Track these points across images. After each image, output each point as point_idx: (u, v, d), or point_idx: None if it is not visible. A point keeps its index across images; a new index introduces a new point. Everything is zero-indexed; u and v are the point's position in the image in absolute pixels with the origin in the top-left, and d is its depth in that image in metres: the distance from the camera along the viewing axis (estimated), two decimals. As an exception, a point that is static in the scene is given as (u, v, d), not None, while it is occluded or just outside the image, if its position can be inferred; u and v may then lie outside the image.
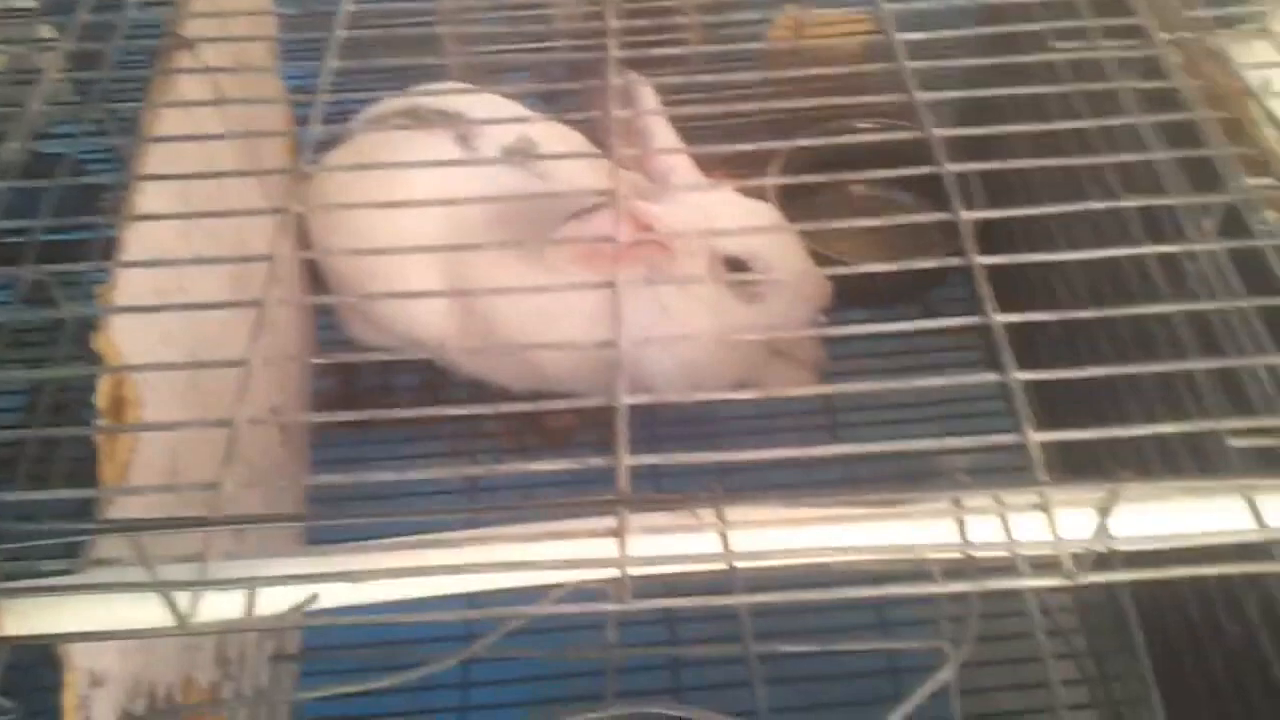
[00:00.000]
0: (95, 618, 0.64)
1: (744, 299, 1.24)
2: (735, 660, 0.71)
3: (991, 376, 0.65)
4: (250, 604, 0.62)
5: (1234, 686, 0.94)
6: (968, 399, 1.31)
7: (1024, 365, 0.64)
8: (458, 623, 0.97)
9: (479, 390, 1.49)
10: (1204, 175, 0.81)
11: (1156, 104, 0.88)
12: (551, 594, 0.66)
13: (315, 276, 1.47)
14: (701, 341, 1.27)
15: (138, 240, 0.88)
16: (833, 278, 1.27)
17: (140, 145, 0.90)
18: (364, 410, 0.70)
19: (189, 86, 1.01)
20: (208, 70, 1.03)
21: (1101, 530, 0.54)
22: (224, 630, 0.73)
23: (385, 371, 1.64)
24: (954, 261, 0.73)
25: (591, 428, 1.60)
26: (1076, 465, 0.94)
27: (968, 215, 0.76)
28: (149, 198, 0.90)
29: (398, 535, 0.65)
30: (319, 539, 0.79)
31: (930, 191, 1.50)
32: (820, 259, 1.32)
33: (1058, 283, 1.23)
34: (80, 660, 0.71)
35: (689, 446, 0.63)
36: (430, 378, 1.58)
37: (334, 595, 0.67)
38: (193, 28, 1.02)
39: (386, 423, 0.69)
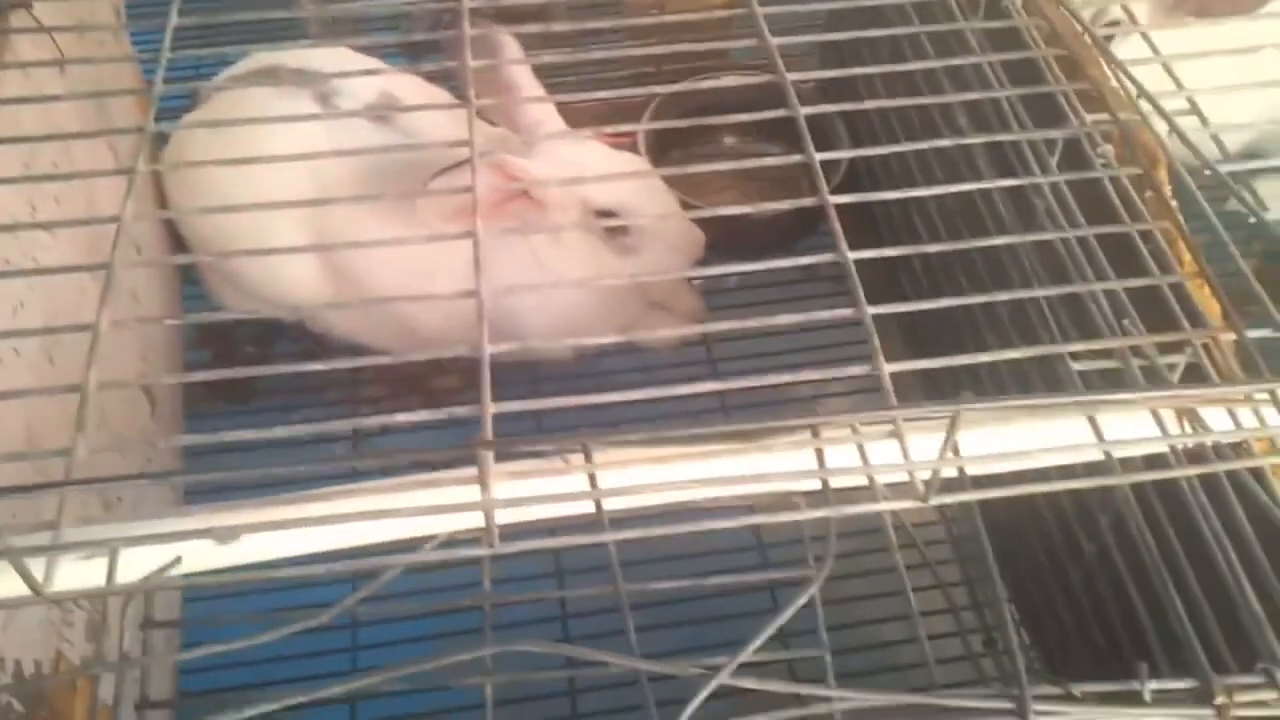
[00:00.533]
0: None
1: (617, 251, 1.25)
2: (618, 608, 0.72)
3: (846, 312, 0.66)
4: (111, 568, 0.61)
5: (1092, 603, 0.99)
6: (844, 342, 1.34)
7: (889, 302, 0.66)
8: (341, 582, 0.97)
9: (359, 355, 1.47)
10: (1046, 112, 0.84)
11: (999, 43, 0.91)
12: (426, 545, 0.66)
13: (179, 244, 1.43)
14: (577, 294, 1.27)
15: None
16: (704, 229, 1.28)
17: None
18: (241, 391, 0.69)
19: (25, 47, 0.97)
20: (44, 29, 0.99)
21: (947, 450, 0.56)
22: (83, 596, 0.71)
23: (261, 342, 1.61)
24: (807, 201, 0.75)
25: (475, 389, 1.59)
26: (942, 397, 0.98)
27: (820, 156, 0.77)
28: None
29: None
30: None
31: (795, 141, 1.53)
32: (691, 210, 1.34)
33: (921, 224, 1.27)
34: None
35: (566, 385, 0.64)
36: (308, 348, 1.56)
37: (202, 557, 0.66)
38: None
39: (262, 394, 0.68)
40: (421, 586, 0.98)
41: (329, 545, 0.67)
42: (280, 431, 0.64)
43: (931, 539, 1.17)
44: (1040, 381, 0.90)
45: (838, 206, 0.72)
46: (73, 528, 0.59)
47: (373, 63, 1.33)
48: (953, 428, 0.55)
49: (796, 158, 0.78)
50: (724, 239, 1.35)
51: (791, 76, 0.83)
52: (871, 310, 0.66)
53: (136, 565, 0.64)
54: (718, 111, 1.17)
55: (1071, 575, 0.98)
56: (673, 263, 1.28)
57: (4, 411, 0.81)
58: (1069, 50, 0.86)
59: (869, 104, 0.83)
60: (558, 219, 1.23)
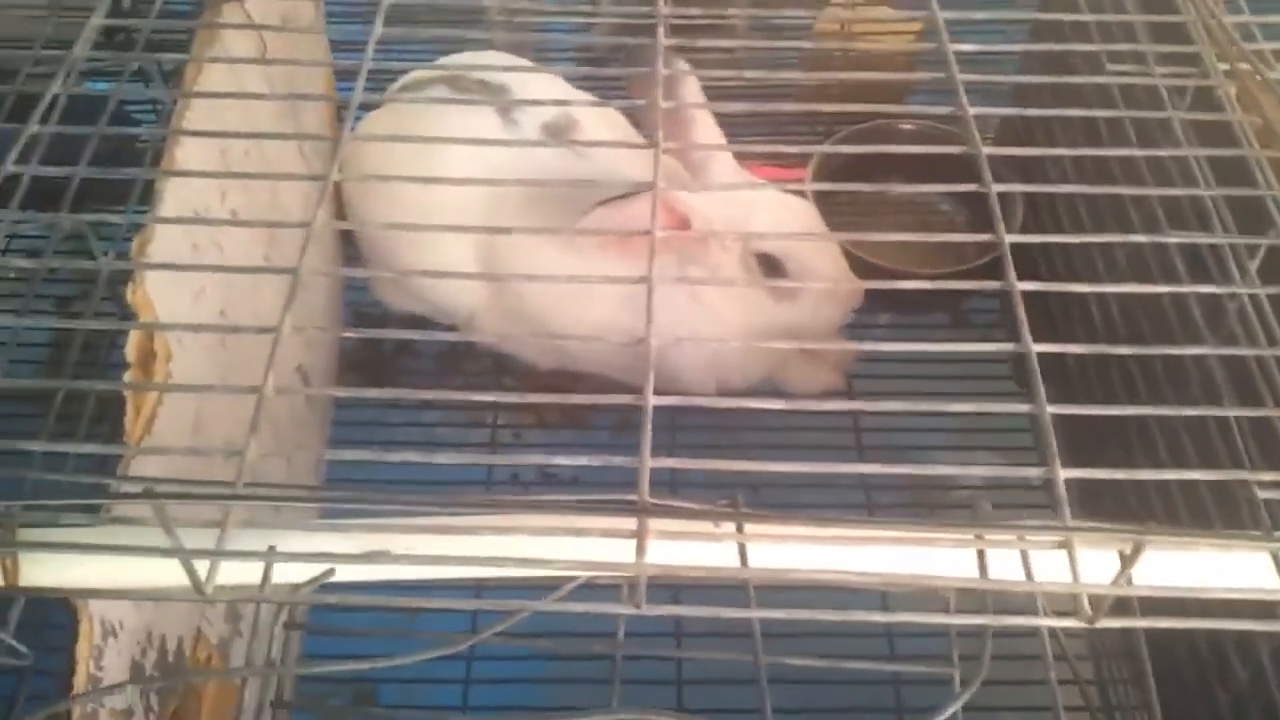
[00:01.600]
0: (113, 575, 0.64)
1: (775, 296, 1.24)
2: (742, 680, 0.70)
3: (1023, 408, 0.64)
4: (266, 576, 0.63)
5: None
6: (998, 429, 1.30)
7: (1052, 387, 0.63)
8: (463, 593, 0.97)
9: (502, 359, 1.49)
10: (1251, 214, 0.80)
11: (1208, 136, 0.87)
12: (562, 586, 0.66)
13: (346, 237, 1.47)
14: (728, 332, 1.26)
15: (174, 194, 0.88)
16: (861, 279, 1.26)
17: (182, 100, 0.90)
18: (387, 374, 0.71)
19: (234, 41, 1.01)
20: (253, 26, 1.03)
21: (1124, 577, 0.54)
22: (239, 599, 0.74)
23: (407, 328, 1.65)
24: (993, 285, 0.73)
25: (611, 407, 1.59)
26: (1097, 493, 0.93)
27: (1011, 238, 0.75)
28: (188, 152, 0.90)
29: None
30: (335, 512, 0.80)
31: (969, 198, 1.49)
32: (853, 260, 1.32)
33: (1093, 305, 1.22)
34: (95, 611, 0.72)
35: (710, 440, 0.63)
36: (447, 347, 1.59)
37: (351, 571, 0.67)
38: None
39: (404, 381, 0.69)
40: (544, 627, 0.97)
41: (469, 573, 0.68)
42: (440, 458, 0.65)
43: (1078, 653, 1.09)
44: (1216, 505, 0.84)
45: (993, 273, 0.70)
46: (235, 530, 0.61)
47: (558, 83, 1.35)
48: (1133, 555, 0.53)
49: (985, 236, 0.76)
50: (884, 290, 1.32)
51: (987, 151, 0.81)
52: (1051, 410, 0.63)
53: (289, 571, 0.66)
54: (890, 160, 1.14)
55: (1220, 699, 0.93)
56: (831, 313, 1.26)
57: (177, 395, 0.84)
58: (1284, 151, 0.82)
59: (1064, 188, 0.80)
60: (721, 260, 1.22)
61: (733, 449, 1.32)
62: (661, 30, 0.89)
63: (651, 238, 0.75)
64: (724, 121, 1.29)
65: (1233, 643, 0.92)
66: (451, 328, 1.46)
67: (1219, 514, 0.84)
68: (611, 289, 1.26)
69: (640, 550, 0.55)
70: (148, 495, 0.52)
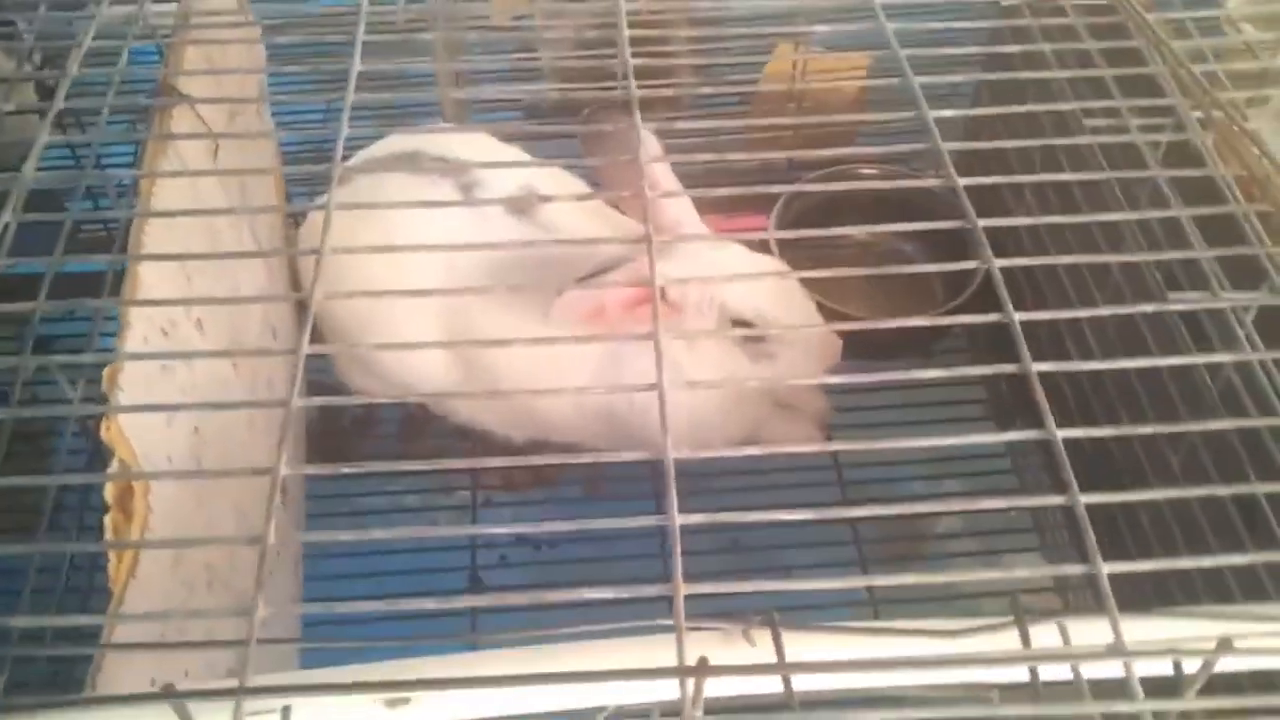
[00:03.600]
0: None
1: (752, 356, 1.22)
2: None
3: (1057, 500, 0.63)
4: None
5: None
6: (988, 471, 1.29)
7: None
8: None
9: (468, 433, 1.46)
10: (1242, 270, 0.80)
11: (1188, 190, 0.87)
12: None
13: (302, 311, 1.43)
14: (706, 394, 1.25)
15: (140, 314, 0.84)
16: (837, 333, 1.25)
17: (138, 219, 0.86)
18: (352, 448, 0.68)
19: (186, 149, 0.97)
20: (207, 136, 0.99)
21: (1188, 687, 0.53)
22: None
23: (368, 404, 1.61)
24: (992, 317, 0.71)
25: (580, 467, 1.57)
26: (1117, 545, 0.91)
27: (1001, 263, 0.73)
28: (148, 268, 0.86)
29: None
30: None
31: (932, 242, 1.49)
32: (827, 312, 1.31)
33: (1071, 344, 1.21)
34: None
35: (693, 497, 0.62)
36: (413, 410, 1.55)
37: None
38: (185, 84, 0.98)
39: (370, 457, 0.67)
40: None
41: (496, 711, 0.65)
42: (405, 604, 0.62)
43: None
44: (1270, 579, 0.82)
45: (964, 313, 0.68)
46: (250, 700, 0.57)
47: (514, 152, 1.33)
48: (1202, 671, 0.52)
49: (973, 264, 0.74)
50: (855, 339, 1.31)
51: (964, 182, 0.79)
52: (1086, 499, 0.62)
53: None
54: (846, 206, 1.12)
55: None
56: (808, 368, 1.25)
57: (159, 528, 0.81)
58: (1269, 200, 0.82)
59: (1050, 219, 0.79)
60: (694, 323, 1.20)
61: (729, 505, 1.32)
62: (637, 113, 0.87)
63: (655, 336, 0.72)
64: (681, 173, 1.27)
65: None
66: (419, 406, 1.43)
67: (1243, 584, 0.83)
68: (585, 363, 1.24)
69: (697, 702, 0.53)
70: (169, 695, 0.49)
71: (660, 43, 1.02)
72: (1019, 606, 0.61)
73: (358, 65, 0.91)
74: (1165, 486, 0.95)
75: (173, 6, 1.02)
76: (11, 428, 0.79)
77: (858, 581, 0.62)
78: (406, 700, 0.63)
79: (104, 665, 0.68)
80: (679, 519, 0.63)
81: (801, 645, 0.62)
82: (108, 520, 0.76)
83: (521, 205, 1.23)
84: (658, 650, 0.61)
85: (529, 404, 1.31)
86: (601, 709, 0.65)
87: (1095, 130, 0.93)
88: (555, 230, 1.24)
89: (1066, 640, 0.60)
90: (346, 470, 0.68)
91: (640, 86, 0.88)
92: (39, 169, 0.82)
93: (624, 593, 0.62)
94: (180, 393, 0.90)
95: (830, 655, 0.62)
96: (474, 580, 1.43)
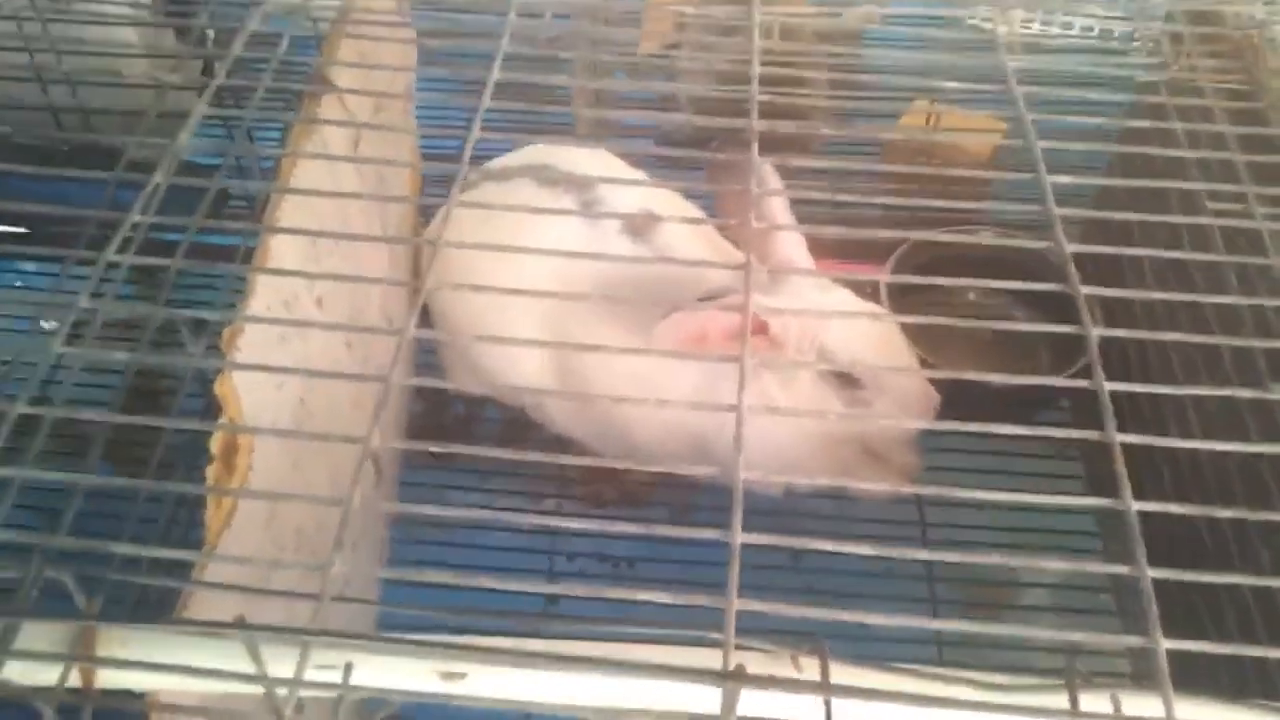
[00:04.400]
0: (191, 686, 0.64)
1: (847, 402, 1.23)
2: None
3: (1122, 569, 0.62)
4: (341, 699, 0.62)
5: None
6: (1066, 531, 1.27)
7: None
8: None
9: (562, 441, 1.49)
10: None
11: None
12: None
13: (427, 311, 1.48)
14: (796, 433, 1.25)
15: (265, 283, 0.89)
16: (935, 386, 1.25)
17: (275, 194, 0.91)
18: (451, 442, 0.71)
19: (330, 135, 1.03)
20: (351, 124, 1.04)
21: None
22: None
23: (471, 403, 1.66)
24: (1082, 383, 0.71)
25: (669, 490, 1.59)
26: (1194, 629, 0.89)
27: (1100, 331, 0.73)
28: (281, 241, 0.91)
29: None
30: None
31: (1044, 308, 1.48)
32: (928, 369, 1.30)
33: (1173, 422, 1.19)
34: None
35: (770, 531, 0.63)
36: (515, 415, 1.59)
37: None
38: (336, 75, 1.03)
39: (470, 457, 0.69)
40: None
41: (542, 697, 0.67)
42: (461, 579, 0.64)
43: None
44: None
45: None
46: (318, 650, 0.60)
47: (638, 174, 1.36)
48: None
49: (1069, 328, 0.74)
50: (956, 400, 1.31)
51: (1072, 249, 0.79)
52: (1153, 573, 0.61)
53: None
54: (962, 266, 1.12)
55: None
56: (902, 419, 1.24)
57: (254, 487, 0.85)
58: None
59: (1158, 295, 0.79)
60: (785, 363, 1.22)
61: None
62: (755, 146, 0.89)
63: (741, 364, 0.74)
64: (798, 211, 1.29)
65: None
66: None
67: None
68: (683, 386, 1.26)
69: (731, 709, 0.54)
70: (240, 626, 0.52)
71: (796, 83, 1.04)
72: (1073, 669, 0.60)
73: (495, 74, 0.95)
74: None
75: (337, 1, 1.09)
76: (134, 383, 0.85)
77: (914, 622, 0.62)
78: (463, 675, 0.66)
79: (190, 602, 0.73)
80: (741, 536, 0.65)
81: (848, 677, 0.63)
82: (210, 470, 0.80)
83: (638, 226, 1.26)
84: (702, 660, 0.63)
85: (621, 422, 1.33)
86: (642, 712, 0.67)
87: (1221, 214, 0.92)
88: (668, 255, 1.27)
89: (1117, 709, 0.60)
90: (434, 449, 0.72)
91: (764, 122, 0.90)
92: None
93: (679, 598, 0.63)
94: (293, 362, 0.95)
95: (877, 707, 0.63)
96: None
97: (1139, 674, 1.10)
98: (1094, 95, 1.04)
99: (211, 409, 0.82)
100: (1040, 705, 0.58)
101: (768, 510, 1.42)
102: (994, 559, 0.67)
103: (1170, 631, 0.58)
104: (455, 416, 1.68)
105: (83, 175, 0.81)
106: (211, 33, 1.32)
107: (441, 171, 1.64)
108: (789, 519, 1.34)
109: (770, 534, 0.65)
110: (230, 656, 0.59)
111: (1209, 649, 0.59)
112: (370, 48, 1.12)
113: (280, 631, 0.53)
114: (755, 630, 0.63)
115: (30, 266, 1.84)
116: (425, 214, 1.55)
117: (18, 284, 1.81)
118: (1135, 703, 0.60)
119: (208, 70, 1.57)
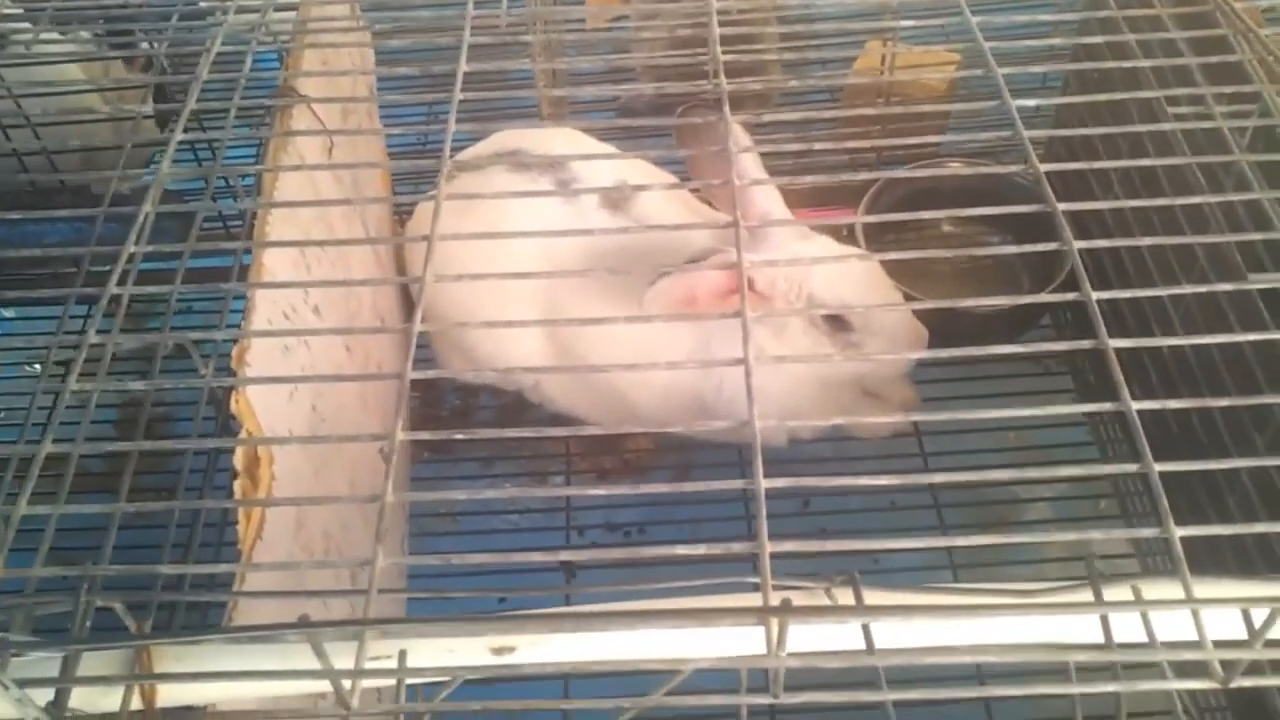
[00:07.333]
0: (251, 689, 0.66)
1: (840, 345, 1.25)
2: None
3: (1131, 468, 0.65)
4: (400, 683, 0.65)
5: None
6: (1062, 443, 1.30)
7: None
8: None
9: (559, 419, 1.51)
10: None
11: (1274, 175, 0.88)
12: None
13: (412, 304, 1.50)
14: (794, 380, 1.28)
15: (264, 299, 0.90)
16: (921, 319, 1.28)
17: (262, 210, 0.93)
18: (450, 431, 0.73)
19: (305, 145, 1.04)
20: (323, 133, 1.06)
21: (1257, 637, 0.55)
22: (380, 714, 0.75)
23: (466, 394, 1.68)
24: (1070, 296, 0.73)
25: (668, 453, 1.62)
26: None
27: (1081, 244, 0.75)
28: (272, 256, 0.92)
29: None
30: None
31: (1018, 232, 1.50)
32: (910, 301, 1.33)
33: (1156, 324, 1.21)
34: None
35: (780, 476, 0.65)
36: (508, 402, 1.61)
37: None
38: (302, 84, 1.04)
39: (468, 444, 0.71)
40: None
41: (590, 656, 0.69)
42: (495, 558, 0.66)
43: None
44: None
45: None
46: (373, 640, 0.62)
47: (609, 150, 1.38)
48: (1271, 619, 0.54)
49: (1052, 246, 0.76)
50: (942, 329, 1.34)
51: (1047, 168, 0.81)
52: (1159, 467, 0.64)
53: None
54: (933, 200, 1.14)
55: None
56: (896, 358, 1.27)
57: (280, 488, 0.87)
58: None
59: (1131, 203, 0.81)
60: (782, 312, 1.24)
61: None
62: (726, 106, 0.91)
63: (744, 320, 0.76)
64: (772, 166, 1.31)
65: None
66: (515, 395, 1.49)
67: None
68: (678, 349, 1.28)
69: (778, 644, 0.57)
70: (303, 625, 0.54)
71: (750, 40, 1.05)
72: (1093, 567, 0.63)
73: (464, 66, 0.96)
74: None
75: (292, 15, 1.09)
76: (120, 416, 0.86)
77: (937, 542, 0.65)
78: (512, 649, 0.68)
79: (233, 614, 0.75)
80: (764, 484, 0.67)
81: (883, 600, 0.66)
82: (237, 485, 0.82)
83: (615, 198, 1.28)
84: (743, 603, 0.65)
85: (620, 392, 1.35)
86: (688, 661, 0.69)
87: (1180, 118, 0.94)
88: (648, 223, 1.29)
89: (1138, 597, 0.63)
90: (459, 436, 0.74)
91: (730, 82, 0.91)
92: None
93: (714, 549, 0.66)
94: (300, 372, 0.97)
95: (915, 626, 0.65)
96: (566, 563, 1.48)
97: (1148, 571, 1.14)
98: (1045, 16, 1.06)
99: (226, 432, 0.84)
100: (1068, 601, 0.61)
101: (772, 460, 1.45)
102: (1005, 474, 0.70)
103: (1178, 523, 0.61)
104: (451, 410, 1.70)
105: (74, 214, 0.83)
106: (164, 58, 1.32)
107: (410, 169, 1.66)
108: (794, 466, 1.36)
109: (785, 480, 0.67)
110: (288, 657, 0.61)
111: (1218, 531, 0.62)
112: (332, 55, 1.13)
113: (341, 626, 0.55)
114: (781, 564, 0.65)
115: (9, 312, 1.83)
116: (398, 212, 1.57)
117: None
118: (1154, 589, 0.63)
119: (160, 97, 1.58)
